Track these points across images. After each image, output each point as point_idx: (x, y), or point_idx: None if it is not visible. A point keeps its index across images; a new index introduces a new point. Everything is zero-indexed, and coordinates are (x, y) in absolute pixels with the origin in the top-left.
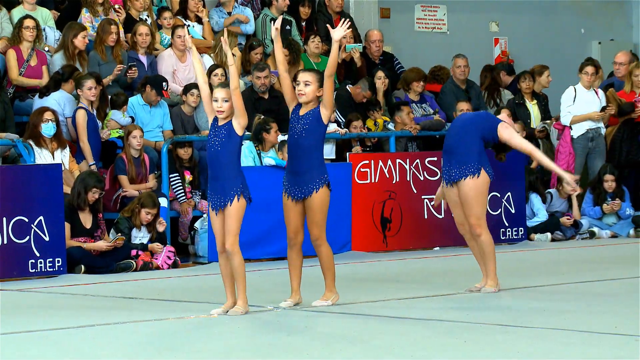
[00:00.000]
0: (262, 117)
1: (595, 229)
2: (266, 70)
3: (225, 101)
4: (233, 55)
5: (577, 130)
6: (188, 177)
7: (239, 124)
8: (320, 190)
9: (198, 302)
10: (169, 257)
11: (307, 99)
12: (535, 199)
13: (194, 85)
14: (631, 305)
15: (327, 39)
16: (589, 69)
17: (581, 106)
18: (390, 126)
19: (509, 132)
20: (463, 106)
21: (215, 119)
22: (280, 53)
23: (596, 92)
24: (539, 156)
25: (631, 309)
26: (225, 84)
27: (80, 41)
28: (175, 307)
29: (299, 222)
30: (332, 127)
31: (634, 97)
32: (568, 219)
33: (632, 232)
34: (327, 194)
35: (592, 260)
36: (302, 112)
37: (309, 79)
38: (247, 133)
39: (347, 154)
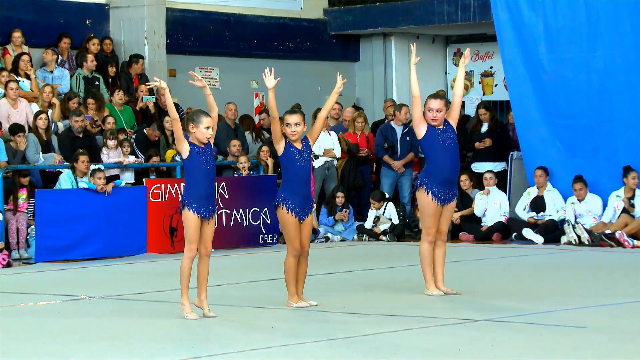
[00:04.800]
0: (82, 151)
1: (330, 235)
2: (82, 115)
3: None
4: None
5: (318, 163)
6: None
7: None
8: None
9: (28, 294)
10: (3, 259)
11: (299, 137)
12: None
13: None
14: (359, 291)
15: (127, 92)
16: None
17: (321, 143)
18: (177, 158)
19: None
20: (235, 142)
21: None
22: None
23: (329, 133)
24: None
25: (360, 294)
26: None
27: None
28: (10, 297)
29: (306, 238)
30: (132, 159)
31: (357, 138)
32: None
33: (355, 237)
34: None
35: (327, 258)
36: (298, 146)
37: (299, 120)
38: (66, 163)
39: (144, 179)
